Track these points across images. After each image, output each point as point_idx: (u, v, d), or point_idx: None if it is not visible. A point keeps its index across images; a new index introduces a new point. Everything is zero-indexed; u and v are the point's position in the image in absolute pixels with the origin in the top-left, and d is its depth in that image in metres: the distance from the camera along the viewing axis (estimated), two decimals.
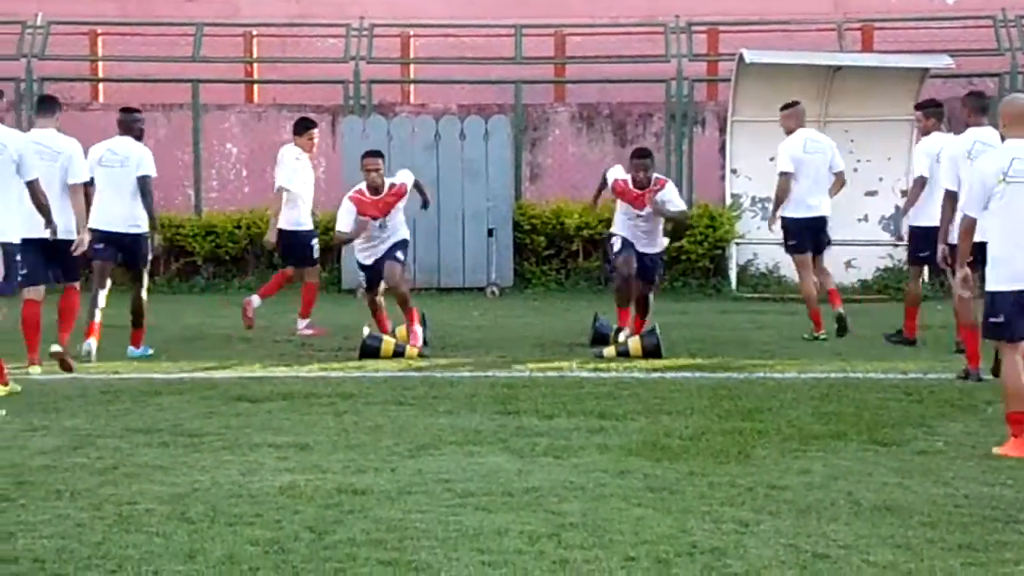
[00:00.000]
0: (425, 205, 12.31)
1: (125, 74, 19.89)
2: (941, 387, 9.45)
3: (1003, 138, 7.85)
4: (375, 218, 11.37)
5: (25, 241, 9.42)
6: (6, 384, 9.28)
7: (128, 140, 11.41)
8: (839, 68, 17.74)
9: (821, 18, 19.92)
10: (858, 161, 17.15)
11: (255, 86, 20.43)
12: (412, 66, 20.53)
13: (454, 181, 17.72)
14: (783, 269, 17.70)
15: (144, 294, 11.32)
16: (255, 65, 20.67)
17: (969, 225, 7.67)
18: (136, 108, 12.14)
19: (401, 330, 11.83)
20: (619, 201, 11.77)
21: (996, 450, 7.39)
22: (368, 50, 19.48)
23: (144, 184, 11.16)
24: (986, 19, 19.19)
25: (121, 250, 11.19)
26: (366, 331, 11.36)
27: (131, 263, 11.34)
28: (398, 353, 11.17)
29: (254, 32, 20.50)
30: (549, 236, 17.78)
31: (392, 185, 11.47)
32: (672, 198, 11.72)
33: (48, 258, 10.10)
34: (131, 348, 11.27)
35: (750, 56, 17.32)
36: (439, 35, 20.04)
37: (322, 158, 19.06)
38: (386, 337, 11.40)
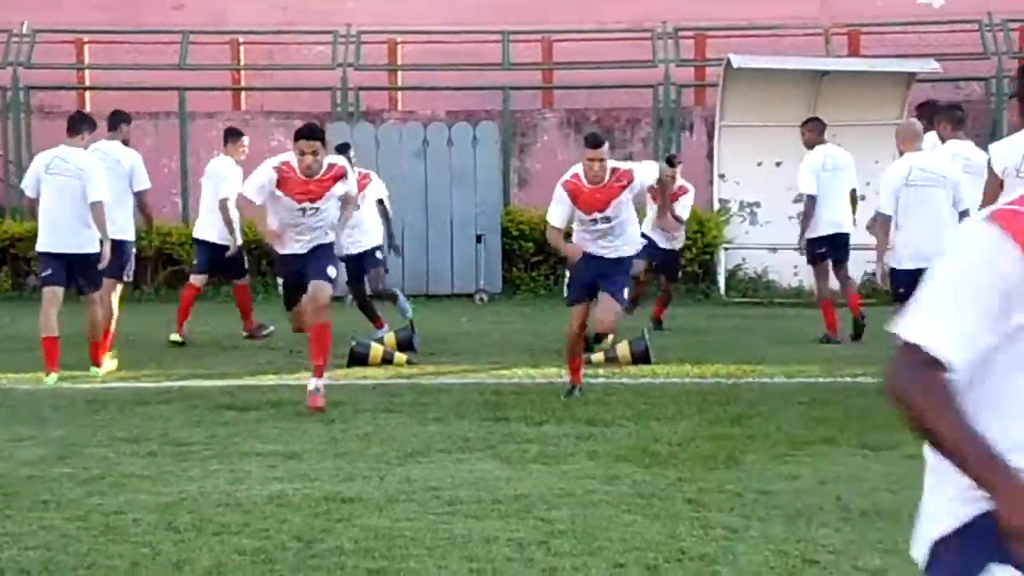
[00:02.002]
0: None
1: (112, 82, 19.84)
2: None
3: (901, 153, 9.82)
4: (301, 202, 9.03)
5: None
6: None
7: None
8: (826, 73, 17.77)
9: (808, 23, 19.96)
10: None
11: (242, 94, 20.40)
12: (399, 73, 20.53)
13: (442, 188, 17.71)
14: (771, 273, 17.74)
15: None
16: (242, 73, 20.64)
17: (884, 220, 9.74)
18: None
19: (389, 337, 11.81)
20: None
21: None
22: (355, 57, 19.47)
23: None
24: (972, 23, 19.24)
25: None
26: (353, 339, 11.33)
27: None
28: (386, 360, 11.14)
29: (241, 40, 20.47)
30: (538, 242, 17.73)
31: (331, 166, 9.15)
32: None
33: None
34: None
35: (738, 61, 17.34)
36: (426, 42, 20.03)
37: None
38: (374, 344, 11.37)
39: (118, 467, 7.08)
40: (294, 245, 9.12)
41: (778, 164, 17.69)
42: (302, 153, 8.89)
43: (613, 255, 9.27)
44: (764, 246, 17.45)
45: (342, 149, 12.17)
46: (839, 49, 19.90)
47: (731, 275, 17.84)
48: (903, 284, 9.39)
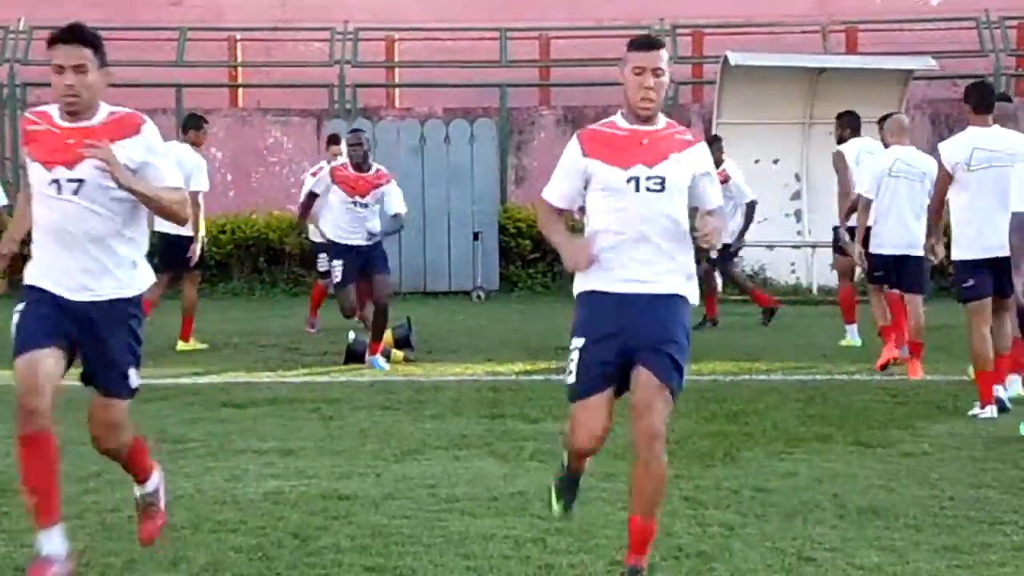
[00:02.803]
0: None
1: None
2: (926, 389, 9.46)
3: (887, 145, 10.54)
4: (50, 167, 4.96)
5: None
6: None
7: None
8: (823, 70, 17.78)
9: (805, 20, 19.98)
10: None
11: (239, 90, 20.40)
12: (397, 70, 20.54)
13: (440, 185, 17.71)
14: (769, 271, 17.75)
15: None
16: (239, 69, 20.64)
17: (865, 204, 10.27)
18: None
19: (387, 334, 11.80)
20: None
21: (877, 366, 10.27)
22: (353, 54, 19.47)
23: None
24: (969, 20, 19.25)
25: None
26: (351, 335, 11.33)
27: None
28: (384, 357, 11.13)
29: (238, 36, 20.47)
30: (535, 239, 17.76)
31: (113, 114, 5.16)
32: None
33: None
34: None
35: (735, 58, 17.34)
36: (424, 39, 20.03)
37: (307, 163, 19.09)
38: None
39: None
40: (61, 275, 4.93)
41: (775, 162, 17.71)
42: (59, 71, 5.03)
43: (658, 288, 4.94)
44: (761, 243, 17.45)
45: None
46: (837, 46, 19.91)
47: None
48: (880, 267, 10.22)
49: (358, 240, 10.96)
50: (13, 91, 18.93)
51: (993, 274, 8.25)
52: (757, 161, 17.69)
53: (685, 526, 5.73)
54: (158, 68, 19.34)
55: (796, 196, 17.61)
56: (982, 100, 8.60)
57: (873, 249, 10.19)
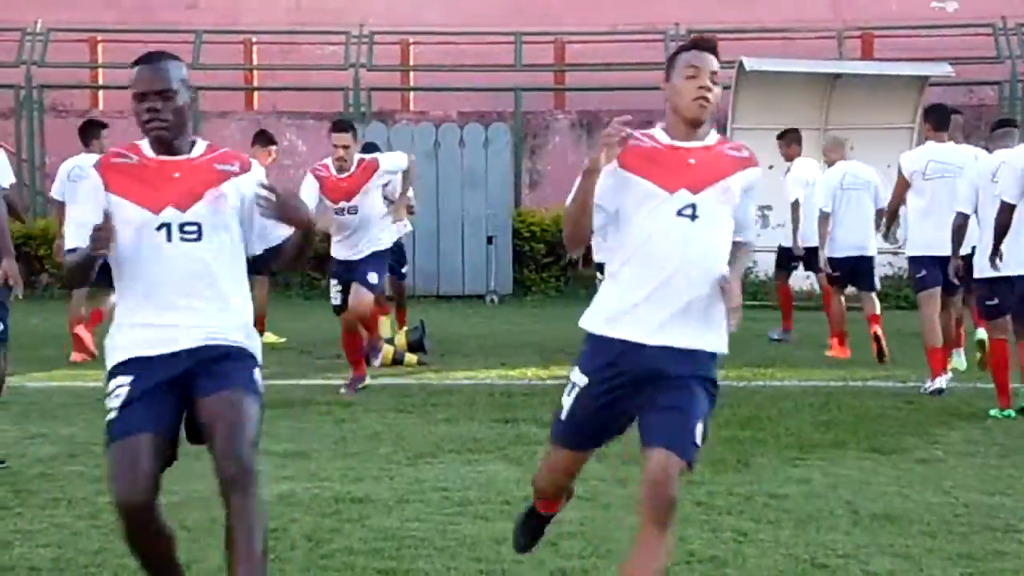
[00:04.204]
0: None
1: (125, 81, 19.75)
2: (941, 396, 9.43)
3: (831, 163, 11.93)
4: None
5: None
6: None
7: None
8: (839, 76, 17.74)
9: (820, 26, 19.94)
10: None
11: (255, 93, 20.45)
12: (412, 74, 20.56)
13: (454, 189, 17.72)
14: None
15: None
16: (255, 72, 20.68)
17: (824, 217, 11.54)
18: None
19: (400, 338, 11.82)
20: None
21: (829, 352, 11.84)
22: (368, 57, 19.50)
23: None
24: (986, 27, 19.20)
25: None
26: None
27: None
28: (397, 361, 11.15)
29: (254, 39, 20.51)
30: (549, 244, 17.78)
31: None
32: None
33: None
34: None
35: (750, 64, 17.32)
36: (439, 43, 20.05)
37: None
38: (385, 345, 11.37)
39: None
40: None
41: (790, 167, 17.64)
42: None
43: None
44: (775, 249, 17.40)
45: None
46: (852, 52, 19.87)
47: (742, 278, 17.81)
48: (839, 269, 11.46)
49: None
50: (30, 93, 19.00)
51: (943, 270, 9.34)
52: (771, 167, 17.60)
53: (698, 532, 5.72)
54: None
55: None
56: (940, 120, 10.02)
57: (832, 254, 11.47)
